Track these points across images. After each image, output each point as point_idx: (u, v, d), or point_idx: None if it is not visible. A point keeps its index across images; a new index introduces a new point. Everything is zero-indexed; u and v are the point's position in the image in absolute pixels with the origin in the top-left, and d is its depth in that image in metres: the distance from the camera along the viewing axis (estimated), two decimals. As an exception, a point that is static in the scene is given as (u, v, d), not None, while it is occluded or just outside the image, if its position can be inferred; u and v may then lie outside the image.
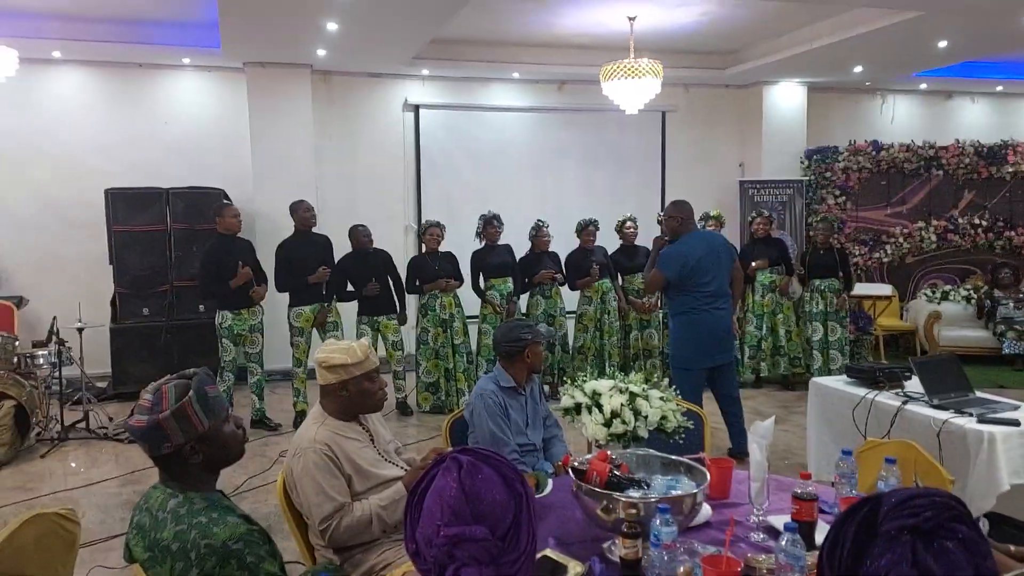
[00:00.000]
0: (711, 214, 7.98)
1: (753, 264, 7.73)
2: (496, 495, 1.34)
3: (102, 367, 7.76)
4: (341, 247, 7.05)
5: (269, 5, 6.29)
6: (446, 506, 1.33)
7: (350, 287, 6.98)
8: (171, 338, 7.65)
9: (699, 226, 8.05)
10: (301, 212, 6.76)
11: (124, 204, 7.73)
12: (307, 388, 6.77)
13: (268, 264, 6.76)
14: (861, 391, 4.38)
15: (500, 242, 7.35)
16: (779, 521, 2.45)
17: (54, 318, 6.50)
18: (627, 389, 3.04)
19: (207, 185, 8.15)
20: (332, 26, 6.91)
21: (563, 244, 7.70)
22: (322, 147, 8.83)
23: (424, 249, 7.24)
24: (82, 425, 6.47)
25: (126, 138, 8.41)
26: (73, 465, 5.87)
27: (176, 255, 7.82)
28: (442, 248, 7.20)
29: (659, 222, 8.03)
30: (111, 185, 7.82)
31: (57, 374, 6.41)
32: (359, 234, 6.97)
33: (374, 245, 7.04)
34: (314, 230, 6.89)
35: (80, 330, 6.53)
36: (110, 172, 8.18)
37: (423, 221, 7.27)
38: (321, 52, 7.90)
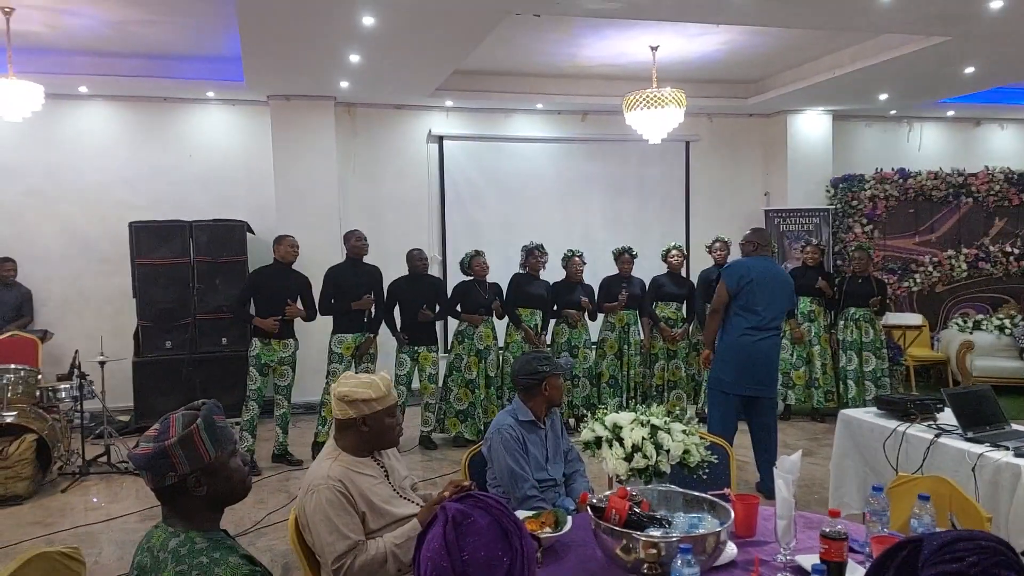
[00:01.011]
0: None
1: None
2: (482, 551, 1.27)
3: (125, 400, 7.78)
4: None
5: (292, 38, 6.34)
6: (430, 561, 1.27)
7: (397, 312, 6.97)
8: (193, 371, 7.65)
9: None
10: (353, 241, 6.79)
11: (148, 237, 7.78)
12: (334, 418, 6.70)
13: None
14: (892, 423, 4.25)
15: (543, 277, 7.36)
16: (807, 561, 2.36)
17: (76, 352, 6.53)
18: (648, 422, 2.96)
19: (231, 217, 8.20)
20: (355, 58, 6.96)
21: (589, 274, 7.65)
22: (346, 178, 8.88)
23: (472, 278, 7.21)
24: (103, 459, 6.45)
25: (151, 171, 8.52)
26: (94, 500, 5.84)
27: (199, 288, 7.84)
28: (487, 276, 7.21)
29: (709, 251, 7.87)
30: (136, 218, 7.89)
31: (79, 408, 6.41)
32: (414, 258, 7.00)
33: (427, 272, 7.11)
34: (367, 260, 6.89)
35: (102, 363, 6.54)
36: (135, 205, 8.28)
37: (467, 253, 7.25)
38: (344, 84, 7.96)
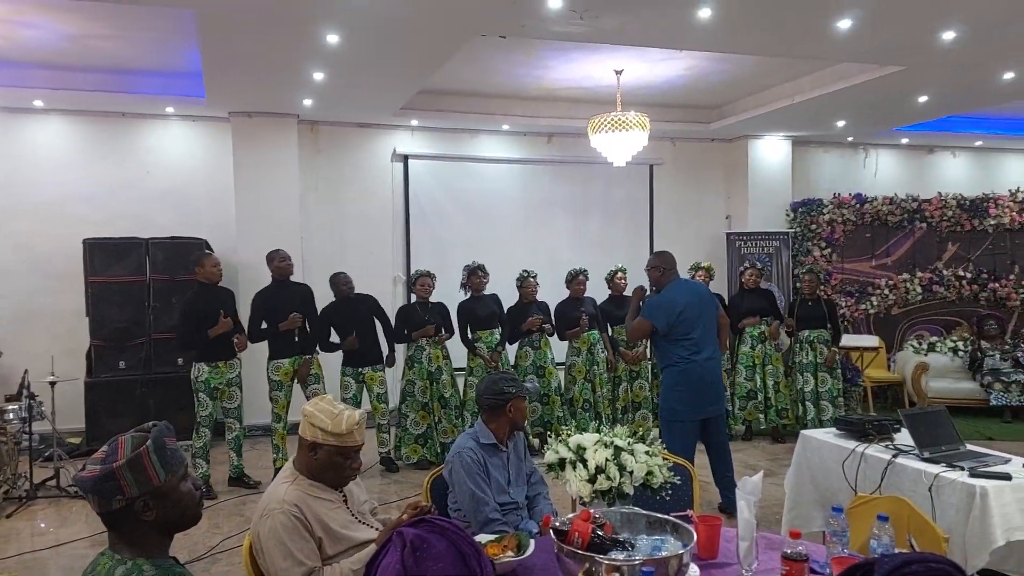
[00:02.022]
0: (701, 265, 7.96)
1: (743, 322, 7.74)
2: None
3: (76, 422, 7.57)
4: (329, 297, 6.95)
5: (254, 55, 6.29)
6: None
7: (335, 337, 6.86)
8: (148, 392, 7.50)
9: (688, 276, 8.04)
10: (277, 262, 6.64)
11: (102, 255, 7.63)
12: (287, 445, 6.59)
13: (247, 313, 6.64)
14: (850, 444, 4.29)
15: (487, 292, 7.29)
16: (770, 583, 2.35)
17: (25, 372, 6.36)
18: (612, 443, 2.94)
19: (191, 235, 8.07)
20: (319, 76, 6.92)
21: (553, 294, 7.65)
22: (308, 197, 8.80)
23: (414, 299, 7.15)
24: (52, 483, 6.27)
25: (108, 188, 8.35)
26: (42, 525, 5.67)
27: (155, 306, 7.70)
28: (432, 299, 7.13)
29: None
30: (93, 235, 7.73)
31: (28, 430, 6.22)
32: (339, 282, 6.88)
33: (356, 291, 6.94)
34: (295, 279, 6.78)
35: (53, 384, 6.37)
36: (92, 222, 8.10)
37: (413, 271, 7.20)
38: (308, 102, 7.91)
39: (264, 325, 6.56)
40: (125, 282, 7.65)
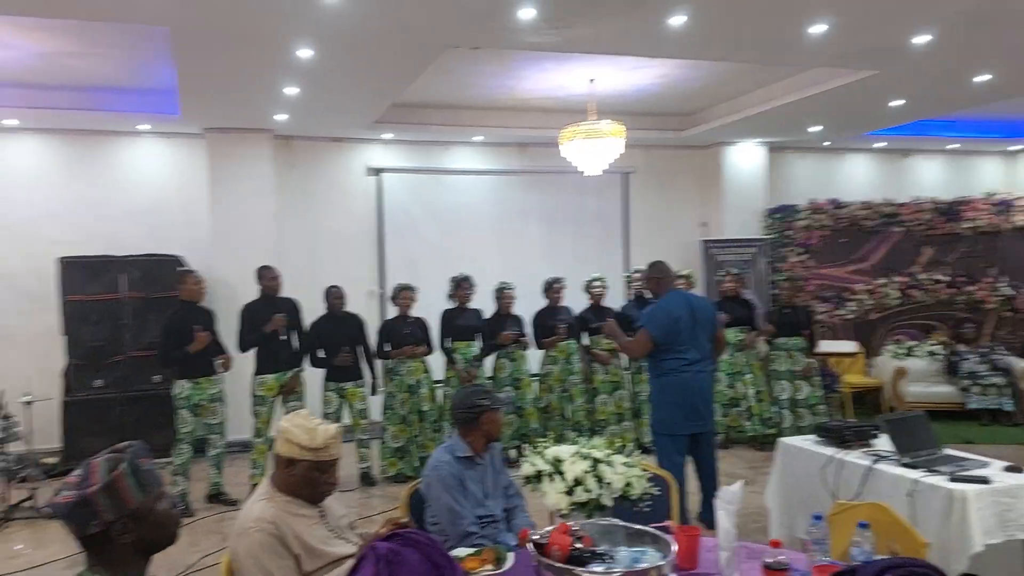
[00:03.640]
0: (682, 273, 7.95)
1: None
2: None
3: (53, 442, 7.47)
4: (308, 312, 6.92)
5: (228, 71, 6.26)
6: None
7: (321, 352, 6.84)
8: (125, 410, 7.42)
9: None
10: (267, 280, 6.64)
11: (77, 273, 7.55)
12: (265, 460, 6.54)
13: (228, 330, 6.59)
14: (829, 451, 4.31)
15: (472, 306, 7.29)
16: (750, 593, 2.35)
17: (1, 391, 6.27)
18: (590, 455, 2.93)
19: (166, 252, 8.01)
20: (292, 91, 6.90)
21: (527, 305, 7.63)
22: (283, 212, 8.75)
23: (397, 312, 7.12)
24: (29, 504, 6.18)
25: (83, 206, 8.27)
26: (18, 547, 5.58)
27: (131, 324, 7.62)
28: (410, 313, 7.12)
29: (627, 283, 8.01)
30: (66, 254, 7.66)
31: (3, 451, 6.14)
32: (332, 295, 6.90)
33: (345, 309, 6.96)
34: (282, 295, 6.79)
35: (28, 403, 6.29)
36: (65, 241, 8.01)
37: (395, 284, 7.20)
38: (282, 117, 7.88)
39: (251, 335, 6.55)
40: (101, 300, 7.58)
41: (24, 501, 6.20)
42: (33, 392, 6.40)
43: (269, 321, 6.45)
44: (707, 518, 5.06)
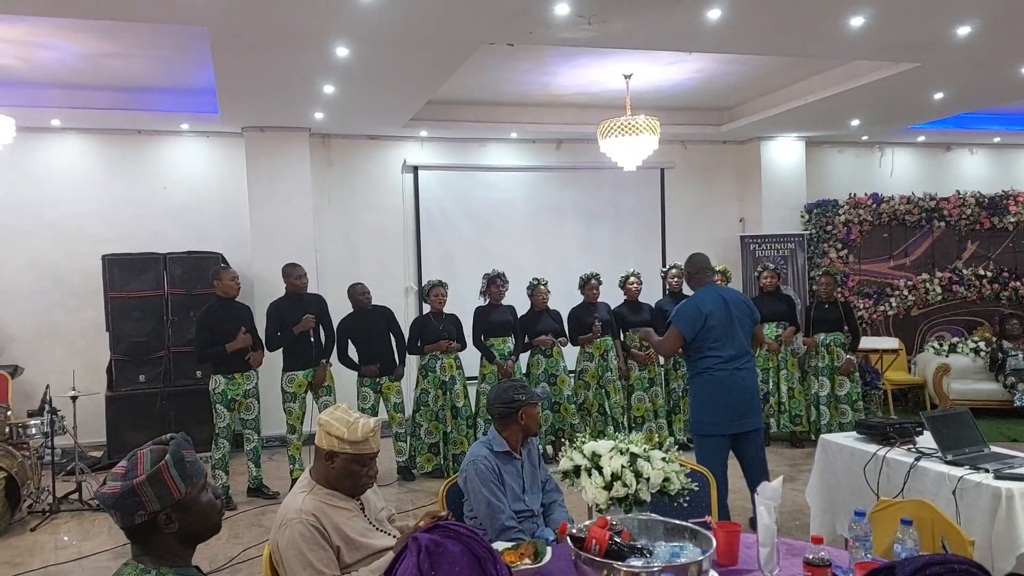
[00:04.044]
0: (716, 268, 7.89)
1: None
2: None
3: (97, 436, 7.64)
4: (344, 309, 7.00)
5: (266, 70, 6.33)
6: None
7: (352, 350, 6.90)
8: (167, 405, 7.55)
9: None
10: (293, 278, 6.69)
11: (121, 270, 7.69)
12: (302, 455, 6.62)
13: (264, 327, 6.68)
14: (872, 448, 4.25)
15: (505, 303, 7.30)
16: (791, 589, 2.33)
17: (47, 387, 6.42)
18: (628, 450, 2.93)
19: (206, 250, 8.13)
20: (329, 90, 6.96)
21: (563, 302, 7.63)
22: (321, 209, 8.84)
23: (428, 309, 7.16)
24: (75, 496, 6.32)
25: (125, 204, 8.44)
26: (65, 538, 5.71)
27: (173, 320, 7.75)
28: (444, 309, 7.15)
29: (663, 278, 7.97)
30: (109, 251, 7.81)
31: (50, 444, 6.28)
32: (356, 292, 6.94)
33: (373, 303, 7.00)
34: (310, 291, 6.85)
35: (74, 398, 6.42)
36: (108, 239, 8.19)
37: (426, 281, 7.22)
38: (319, 115, 7.95)
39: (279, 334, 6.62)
40: (143, 297, 7.72)
41: (71, 493, 6.34)
42: (78, 387, 6.53)
43: (297, 320, 6.51)
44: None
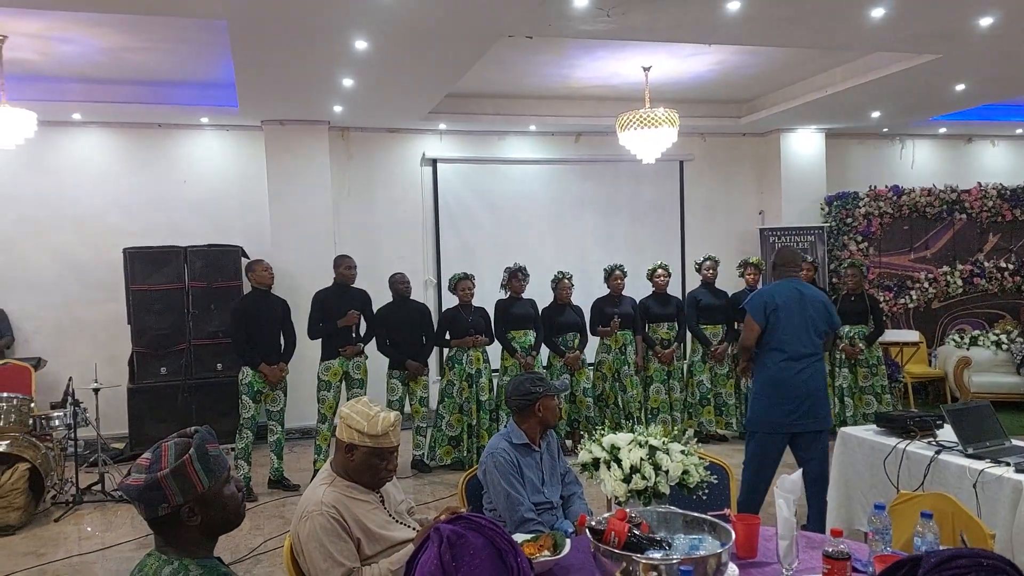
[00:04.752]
0: (750, 261, 7.86)
1: None
2: (479, 572, 1.25)
3: (120, 428, 7.73)
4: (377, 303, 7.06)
5: (285, 64, 6.35)
6: (428, 584, 1.24)
7: (386, 340, 6.96)
8: (189, 397, 7.61)
9: (738, 273, 7.96)
10: (343, 268, 6.79)
11: (142, 263, 7.75)
12: (329, 446, 6.66)
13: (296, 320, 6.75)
14: (892, 441, 4.23)
15: (526, 296, 7.32)
16: (810, 582, 2.33)
17: (70, 379, 6.48)
18: (647, 443, 2.93)
19: (226, 243, 8.19)
20: (348, 83, 6.97)
21: (582, 294, 7.63)
22: (340, 202, 8.88)
23: (456, 302, 7.18)
24: (97, 487, 6.39)
25: (146, 198, 8.51)
26: (88, 529, 5.78)
27: (194, 313, 7.81)
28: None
29: (697, 270, 7.92)
30: (130, 245, 7.87)
31: (73, 436, 6.36)
32: (396, 281, 7.01)
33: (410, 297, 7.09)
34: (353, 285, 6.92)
35: (96, 391, 6.49)
36: (129, 232, 8.26)
37: (452, 275, 7.25)
38: (338, 108, 7.98)
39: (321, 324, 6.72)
40: (165, 290, 7.77)
41: (93, 485, 6.41)
42: (100, 379, 6.60)
43: (340, 311, 6.61)
44: (812, 528, 4.62)
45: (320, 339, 6.72)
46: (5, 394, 6.20)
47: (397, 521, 2.80)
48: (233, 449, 6.37)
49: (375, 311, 6.95)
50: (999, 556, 1.17)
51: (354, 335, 6.75)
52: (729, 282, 8.32)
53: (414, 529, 2.81)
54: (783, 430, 4.72)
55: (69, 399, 6.30)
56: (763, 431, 4.76)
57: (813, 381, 4.74)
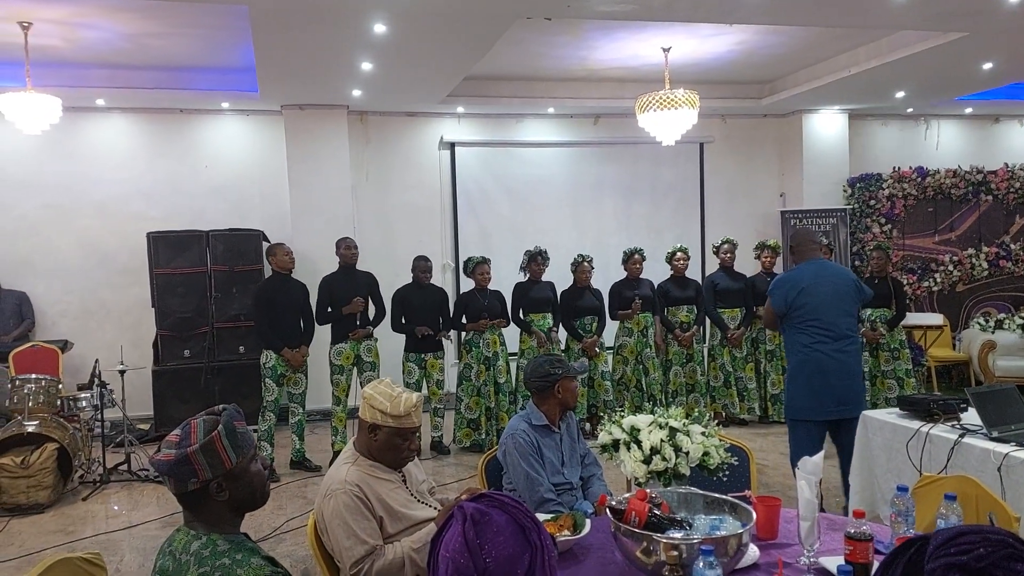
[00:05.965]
0: (767, 244, 7.83)
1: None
2: (504, 549, 1.26)
3: (145, 409, 7.83)
4: (382, 285, 7.07)
5: (305, 48, 6.36)
6: (451, 562, 1.25)
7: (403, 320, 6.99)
8: (212, 379, 7.69)
9: (754, 255, 7.93)
10: (343, 249, 6.83)
11: (165, 247, 7.82)
12: (346, 427, 6.73)
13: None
14: (915, 424, 4.20)
15: (545, 279, 7.32)
16: (832, 563, 2.33)
17: (96, 361, 6.57)
18: (667, 424, 2.94)
19: (247, 227, 8.24)
20: (367, 67, 6.98)
21: (601, 278, 7.62)
22: (359, 186, 8.90)
23: (472, 286, 7.20)
24: (124, 467, 6.49)
25: (168, 183, 8.57)
26: (115, 508, 5.87)
27: (216, 296, 7.88)
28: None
29: (715, 253, 7.90)
30: (154, 229, 7.94)
31: (100, 417, 6.45)
32: (419, 268, 7.02)
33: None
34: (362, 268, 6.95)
35: (122, 372, 6.57)
36: (152, 217, 8.34)
37: (468, 258, 7.26)
38: (357, 93, 7.98)
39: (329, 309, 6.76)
40: (187, 273, 7.84)
41: (120, 464, 6.51)
42: (126, 361, 6.69)
43: (347, 296, 6.64)
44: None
45: (329, 324, 6.76)
46: (34, 375, 6.32)
47: (419, 500, 2.83)
48: (256, 431, 6.45)
49: (394, 291, 6.97)
50: (1006, 531, 1.18)
51: (358, 323, 6.75)
52: (748, 265, 8.28)
53: (435, 509, 2.84)
54: (820, 417, 4.65)
55: (96, 380, 6.40)
56: (802, 419, 4.68)
57: (851, 363, 4.68)
